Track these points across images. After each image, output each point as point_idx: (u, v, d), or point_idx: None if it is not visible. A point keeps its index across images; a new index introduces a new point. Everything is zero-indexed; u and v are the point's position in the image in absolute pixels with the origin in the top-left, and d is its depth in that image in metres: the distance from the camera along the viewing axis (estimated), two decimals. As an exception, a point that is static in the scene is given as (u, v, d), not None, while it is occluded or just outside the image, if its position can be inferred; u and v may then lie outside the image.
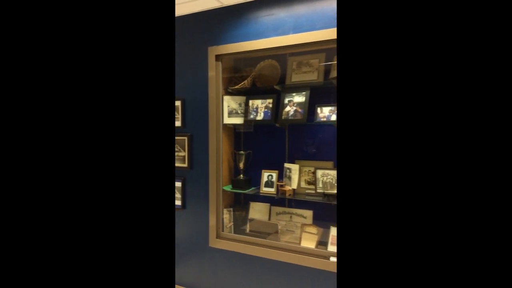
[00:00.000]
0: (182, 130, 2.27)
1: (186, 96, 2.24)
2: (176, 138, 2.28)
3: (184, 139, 2.26)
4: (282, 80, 2.15)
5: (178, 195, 2.29)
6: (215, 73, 2.12)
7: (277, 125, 2.11)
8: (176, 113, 2.28)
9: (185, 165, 2.26)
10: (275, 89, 2.12)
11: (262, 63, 2.20)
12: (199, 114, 2.20)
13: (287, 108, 2.05)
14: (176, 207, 2.30)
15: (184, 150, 2.26)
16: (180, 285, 2.32)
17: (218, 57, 2.11)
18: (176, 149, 2.29)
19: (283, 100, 2.08)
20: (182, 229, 2.30)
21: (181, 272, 2.31)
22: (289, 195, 2.05)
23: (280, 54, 2.07)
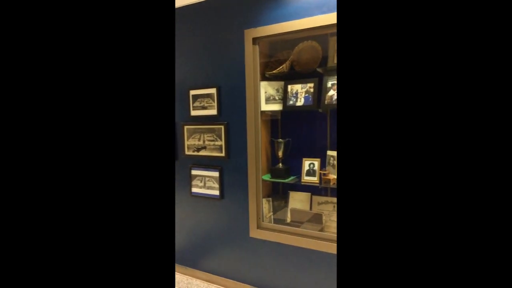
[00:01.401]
0: (218, 119, 2.21)
1: (222, 84, 2.16)
2: (212, 127, 2.22)
3: (221, 127, 2.19)
4: (323, 62, 2.02)
5: (216, 185, 2.25)
6: (252, 57, 2.01)
7: (320, 110, 1.99)
8: (211, 101, 2.21)
9: (222, 154, 2.20)
10: (317, 72, 2.00)
11: (300, 45, 2.07)
12: (235, 101, 2.12)
13: (331, 92, 1.93)
14: (214, 197, 2.26)
15: (221, 139, 2.20)
16: (222, 276, 2.31)
17: (255, 40, 2.01)
18: (212, 138, 2.24)
19: (326, 84, 1.95)
20: (221, 219, 2.27)
21: (222, 262, 2.29)
22: (333, 183, 1.95)
23: (320, 35, 1.93)
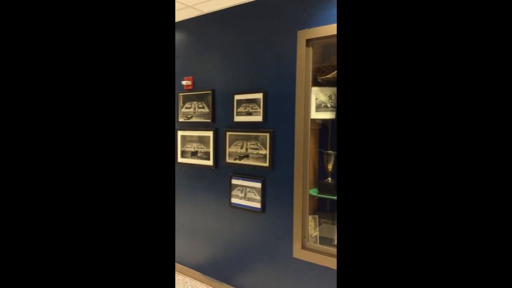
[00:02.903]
0: (263, 126, 2.06)
1: (269, 88, 2.02)
2: (257, 134, 2.08)
3: (266, 135, 2.04)
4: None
5: (257, 196, 2.09)
6: (304, 60, 1.85)
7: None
8: (257, 107, 2.07)
9: (266, 164, 2.04)
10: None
11: (359, 48, 1.87)
12: (283, 108, 1.96)
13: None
14: (255, 209, 2.10)
15: (265, 148, 2.05)
16: (256, 295, 2.13)
17: (308, 42, 1.84)
18: (256, 147, 2.09)
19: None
20: (261, 234, 2.10)
21: (260, 281, 2.11)
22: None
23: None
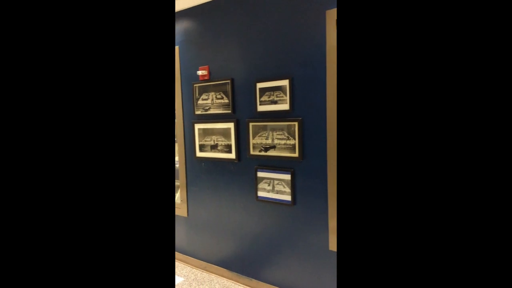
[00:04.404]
0: (291, 114, 1.95)
1: (295, 74, 1.90)
2: (284, 123, 1.97)
3: (294, 124, 1.93)
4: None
5: (286, 189, 2.00)
6: (335, 42, 1.73)
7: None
8: (282, 95, 1.96)
9: (296, 155, 1.94)
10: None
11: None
12: (312, 94, 1.85)
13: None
14: (285, 202, 2.01)
15: (294, 138, 1.94)
16: (290, 290, 2.06)
17: (339, 22, 1.72)
18: (283, 137, 1.99)
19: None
20: (293, 228, 2.01)
21: (293, 276, 2.04)
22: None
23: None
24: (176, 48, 2.48)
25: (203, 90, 2.36)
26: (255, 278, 2.23)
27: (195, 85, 2.40)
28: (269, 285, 2.15)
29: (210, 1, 2.23)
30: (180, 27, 2.44)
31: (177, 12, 2.44)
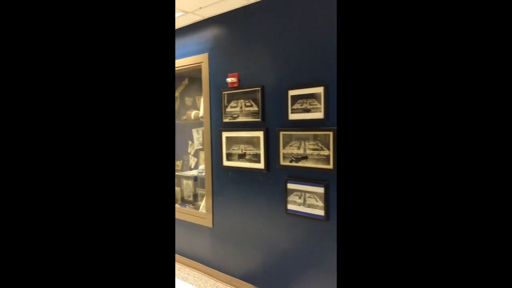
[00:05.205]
0: (325, 124, 1.84)
1: (330, 81, 1.80)
2: (318, 133, 1.86)
3: (328, 134, 1.82)
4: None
5: (319, 203, 1.88)
6: (376, 47, 1.62)
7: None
8: (316, 103, 1.86)
9: (330, 166, 1.82)
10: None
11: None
12: (348, 102, 1.73)
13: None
14: (317, 217, 1.89)
15: (328, 148, 1.83)
16: (321, 312, 1.92)
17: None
18: (316, 147, 1.88)
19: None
20: (326, 245, 1.88)
21: (323, 296, 1.90)
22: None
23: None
24: (206, 55, 2.45)
25: (232, 98, 2.30)
26: (283, 296, 2.10)
27: (223, 92, 2.35)
28: (298, 304, 2.02)
29: (240, 8, 2.19)
30: (210, 34, 2.42)
31: (206, 19, 2.42)
